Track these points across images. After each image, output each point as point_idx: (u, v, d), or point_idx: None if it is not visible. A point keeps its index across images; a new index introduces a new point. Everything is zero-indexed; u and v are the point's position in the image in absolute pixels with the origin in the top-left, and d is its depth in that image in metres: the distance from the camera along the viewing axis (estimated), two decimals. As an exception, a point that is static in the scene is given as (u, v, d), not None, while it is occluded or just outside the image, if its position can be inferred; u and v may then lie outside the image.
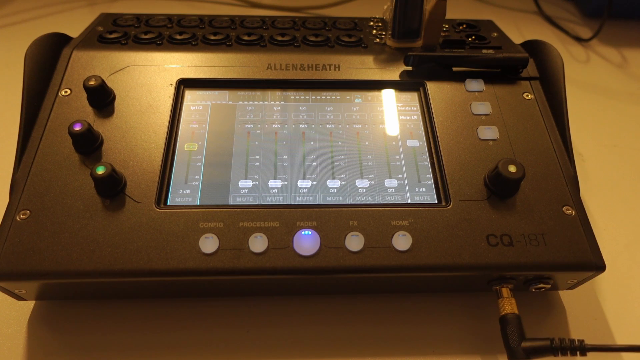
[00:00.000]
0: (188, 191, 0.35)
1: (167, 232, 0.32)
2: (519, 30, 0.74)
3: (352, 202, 0.35)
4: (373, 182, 0.37)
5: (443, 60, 0.43)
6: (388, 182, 0.37)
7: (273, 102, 0.41)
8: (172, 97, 0.40)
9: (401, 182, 0.37)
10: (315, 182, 0.36)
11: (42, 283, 0.32)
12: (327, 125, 0.40)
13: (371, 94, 0.43)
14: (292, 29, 0.49)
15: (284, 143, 0.39)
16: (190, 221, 0.33)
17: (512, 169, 0.34)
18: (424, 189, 0.36)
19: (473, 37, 0.49)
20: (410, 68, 0.43)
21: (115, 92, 0.40)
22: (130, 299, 0.37)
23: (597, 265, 0.33)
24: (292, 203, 0.35)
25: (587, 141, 0.54)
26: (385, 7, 0.49)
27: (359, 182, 0.37)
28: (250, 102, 0.41)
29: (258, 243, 0.32)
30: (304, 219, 0.34)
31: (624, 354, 0.35)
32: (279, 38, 0.46)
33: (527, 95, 0.42)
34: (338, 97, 0.42)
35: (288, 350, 0.35)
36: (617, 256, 0.42)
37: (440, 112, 0.40)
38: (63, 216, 0.33)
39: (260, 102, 0.41)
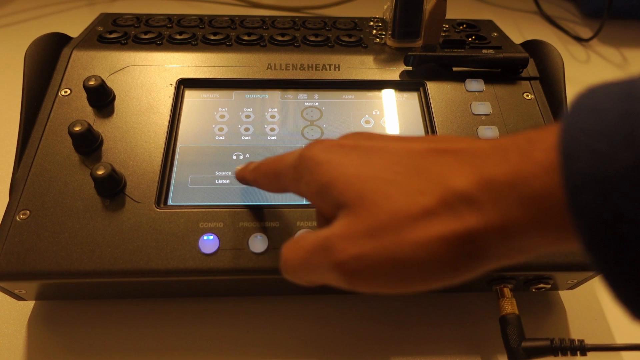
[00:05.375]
0: (188, 191, 0.35)
1: (167, 232, 0.32)
2: (519, 30, 0.74)
3: (352, 202, 0.35)
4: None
5: (443, 60, 0.43)
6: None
7: (273, 102, 0.41)
8: (172, 97, 0.40)
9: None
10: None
11: (42, 283, 0.32)
12: (327, 125, 0.40)
13: (371, 94, 0.43)
14: (292, 29, 0.49)
15: (284, 142, 0.39)
16: (190, 221, 0.33)
17: (512, 169, 0.34)
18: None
19: (473, 37, 0.49)
20: (410, 68, 0.43)
21: (115, 92, 0.40)
22: (130, 299, 0.37)
23: (597, 265, 0.33)
24: (292, 203, 0.35)
25: (587, 141, 0.54)
26: (385, 7, 0.49)
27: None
28: (250, 102, 0.41)
29: (258, 243, 0.32)
30: (304, 219, 0.33)
31: (624, 354, 0.35)
32: (279, 38, 0.46)
33: (527, 95, 0.42)
34: (338, 97, 0.42)
35: (288, 350, 0.35)
36: (617, 256, 0.42)
37: (440, 112, 0.40)
38: (63, 216, 0.33)
39: (260, 102, 0.41)
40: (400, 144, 0.22)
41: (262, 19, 0.50)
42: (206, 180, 0.36)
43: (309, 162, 0.23)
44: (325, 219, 0.24)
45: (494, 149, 0.19)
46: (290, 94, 0.42)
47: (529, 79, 0.43)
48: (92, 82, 0.38)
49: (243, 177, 0.32)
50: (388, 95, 0.43)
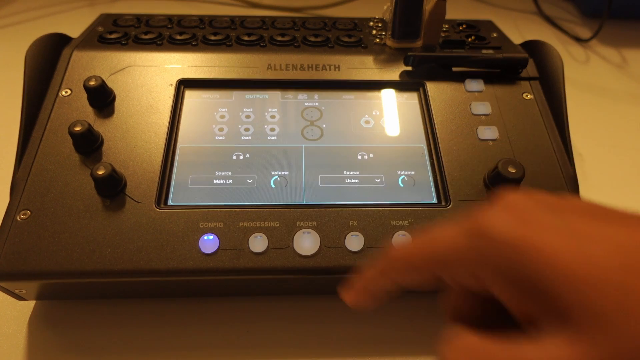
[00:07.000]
0: (188, 191, 0.35)
1: (167, 232, 0.32)
2: (519, 30, 0.74)
3: (352, 202, 0.35)
4: (373, 182, 0.37)
5: (443, 60, 0.43)
6: (388, 182, 0.37)
7: (273, 102, 0.41)
8: (172, 97, 0.40)
9: (401, 182, 0.37)
10: (315, 182, 0.36)
11: (42, 283, 0.32)
12: (327, 125, 0.40)
13: (371, 94, 0.43)
14: (292, 29, 0.49)
15: (284, 143, 0.39)
16: (190, 221, 0.33)
17: (512, 169, 0.34)
18: (423, 189, 0.36)
19: (473, 37, 0.49)
20: (410, 68, 0.43)
21: (116, 92, 0.40)
22: (130, 299, 0.37)
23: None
24: (292, 203, 0.35)
25: (587, 141, 0.54)
26: (385, 7, 0.49)
27: (359, 182, 0.37)
28: (250, 102, 0.41)
29: (258, 243, 0.32)
30: (304, 219, 0.34)
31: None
32: (279, 38, 0.46)
33: (527, 96, 0.42)
34: (338, 97, 0.42)
35: (288, 350, 0.35)
36: (616, 256, 0.42)
37: (440, 112, 0.40)
38: (63, 216, 0.33)
39: (261, 102, 0.41)
40: (627, 232, 0.15)
41: (262, 19, 0.50)
42: (206, 180, 0.36)
43: (496, 239, 0.16)
44: (493, 310, 0.17)
45: None
46: (290, 94, 0.42)
47: (529, 79, 0.43)
48: (92, 83, 0.38)
49: (363, 289, 0.23)
50: (388, 96, 0.43)
